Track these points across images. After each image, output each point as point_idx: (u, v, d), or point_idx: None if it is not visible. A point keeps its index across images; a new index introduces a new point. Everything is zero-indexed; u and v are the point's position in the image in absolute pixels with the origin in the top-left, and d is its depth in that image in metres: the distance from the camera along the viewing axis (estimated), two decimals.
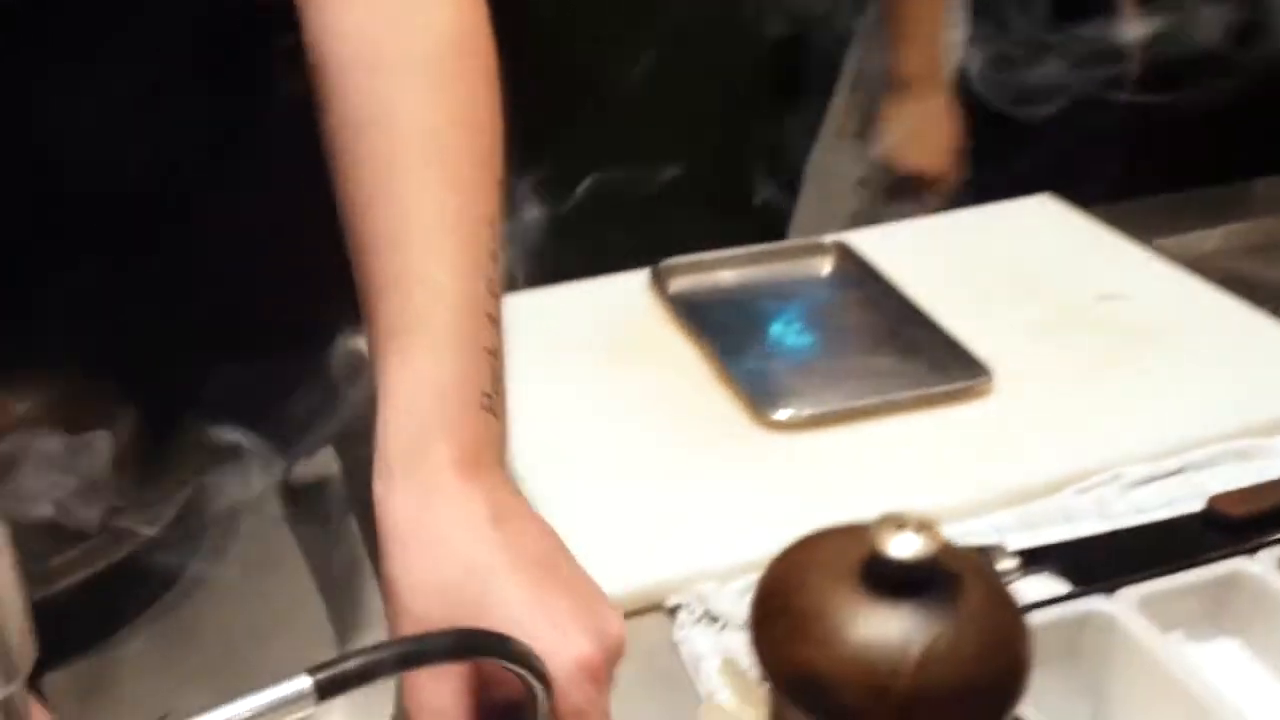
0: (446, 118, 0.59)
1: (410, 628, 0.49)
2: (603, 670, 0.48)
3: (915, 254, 0.99)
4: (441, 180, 0.57)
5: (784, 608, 0.35)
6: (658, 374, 0.87)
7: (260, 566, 0.70)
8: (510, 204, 0.62)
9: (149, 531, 0.65)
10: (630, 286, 0.96)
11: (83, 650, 0.64)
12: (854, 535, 0.36)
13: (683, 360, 0.88)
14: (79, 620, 0.64)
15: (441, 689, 0.48)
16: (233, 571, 0.70)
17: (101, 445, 0.66)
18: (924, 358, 0.87)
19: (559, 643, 0.47)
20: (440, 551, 0.50)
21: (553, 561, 0.51)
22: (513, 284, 0.81)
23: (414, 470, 0.52)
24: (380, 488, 0.53)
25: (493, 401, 0.55)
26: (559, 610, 0.48)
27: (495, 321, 0.57)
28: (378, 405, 0.54)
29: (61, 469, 0.63)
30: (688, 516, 0.74)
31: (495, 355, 0.56)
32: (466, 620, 0.47)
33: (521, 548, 0.50)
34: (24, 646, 0.38)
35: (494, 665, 0.46)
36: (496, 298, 0.57)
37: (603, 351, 0.89)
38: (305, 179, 0.71)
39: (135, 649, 0.64)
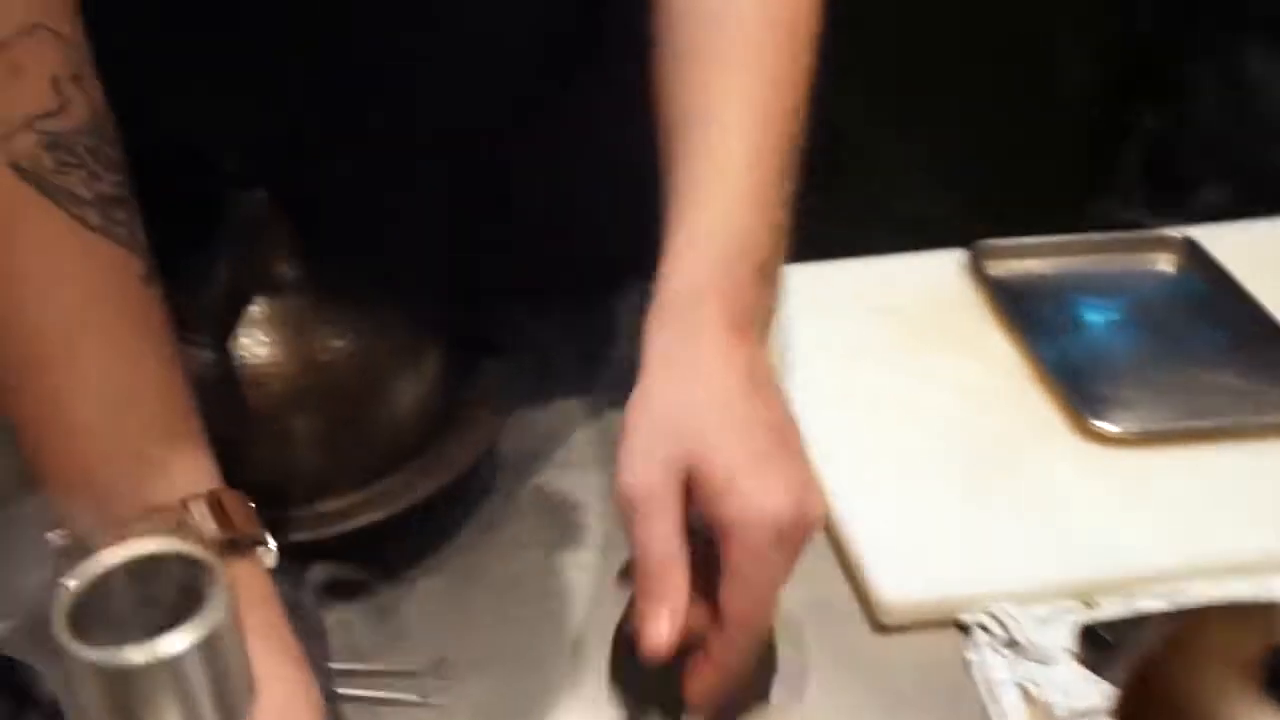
0: (767, 16, 0.61)
1: (639, 436, 0.53)
2: (790, 536, 0.51)
3: (1278, 258, 0.89)
4: (754, 73, 0.60)
5: (1161, 700, 0.30)
6: (968, 363, 0.81)
7: (550, 516, 0.70)
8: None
9: (446, 477, 0.65)
10: (946, 265, 0.90)
11: (378, 584, 0.65)
12: (1252, 619, 0.31)
13: (997, 352, 0.82)
14: (377, 556, 0.65)
15: (666, 529, 0.51)
16: (524, 519, 0.69)
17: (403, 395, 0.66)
18: (1278, 379, 0.78)
19: (760, 496, 0.51)
20: (692, 382, 0.54)
21: (785, 433, 0.54)
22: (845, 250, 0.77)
23: (687, 316, 0.55)
24: (652, 323, 0.56)
25: (769, 271, 0.59)
26: (772, 472, 0.52)
27: (784, 203, 0.60)
28: (666, 247, 0.58)
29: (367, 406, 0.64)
30: (989, 526, 0.68)
31: (779, 231, 0.60)
32: (686, 445, 0.52)
33: (762, 409, 0.54)
34: (243, 689, 0.38)
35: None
36: (789, 181, 0.60)
37: (910, 332, 0.84)
38: (633, 125, 0.70)
39: (426, 587, 0.65)
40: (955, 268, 0.90)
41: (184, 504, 0.48)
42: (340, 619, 0.63)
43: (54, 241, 0.49)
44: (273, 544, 0.52)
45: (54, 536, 0.48)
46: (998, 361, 0.81)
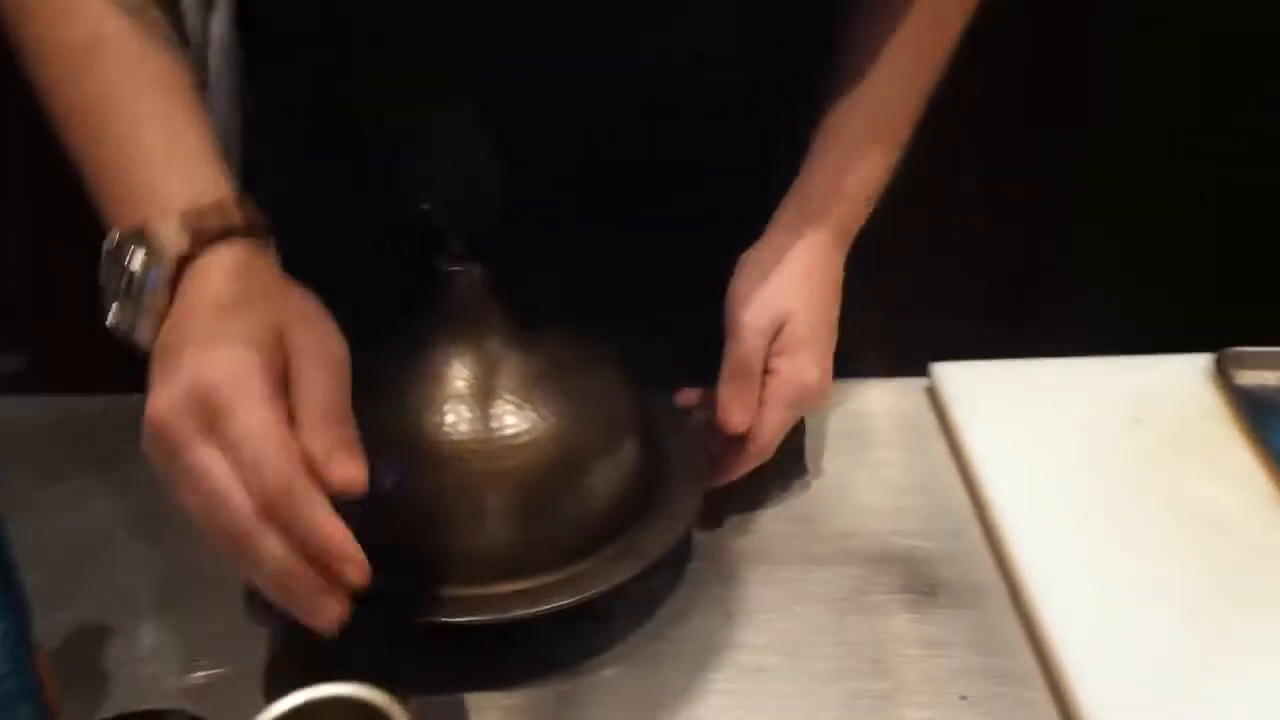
0: None
1: (752, 293, 0.71)
2: (806, 400, 0.71)
3: None
4: (915, 20, 0.74)
5: None
6: (1208, 481, 0.74)
7: (740, 610, 0.67)
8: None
9: (638, 565, 0.63)
10: (1190, 371, 0.83)
11: (562, 668, 0.63)
12: None
13: (1241, 470, 0.75)
14: (562, 638, 0.64)
15: (756, 356, 0.71)
16: (714, 610, 0.67)
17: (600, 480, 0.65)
18: None
19: (804, 367, 0.71)
20: (799, 269, 0.72)
21: (833, 330, 0.73)
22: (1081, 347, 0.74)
23: (809, 219, 0.73)
24: (784, 208, 0.74)
25: (875, 195, 0.75)
26: (817, 355, 0.71)
27: (907, 138, 0.75)
28: (813, 150, 0.75)
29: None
30: (1227, 672, 0.62)
31: (896, 163, 0.75)
32: (784, 310, 0.71)
33: (831, 309, 0.73)
34: None
35: None
36: (911, 119, 0.75)
37: (1145, 441, 0.77)
38: None
39: (609, 677, 0.63)
40: (1200, 374, 0.83)
41: (201, 210, 0.57)
42: (517, 704, 0.61)
43: (132, 39, 0.61)
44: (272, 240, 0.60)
45: (106, 244, 0.58)
46: (1242, 481, 0.74)
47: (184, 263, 0.56)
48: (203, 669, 0.63)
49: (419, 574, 0.61)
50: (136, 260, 0.56)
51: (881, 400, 0.85)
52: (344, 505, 0.59)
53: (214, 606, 0.67)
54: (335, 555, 0.49)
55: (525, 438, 0.61)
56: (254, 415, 0.49)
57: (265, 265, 0.58)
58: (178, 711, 0.55)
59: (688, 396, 0.75)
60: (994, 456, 0.76)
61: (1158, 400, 0.81)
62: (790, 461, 0.76)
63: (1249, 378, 0.82)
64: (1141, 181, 1.07)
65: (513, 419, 0.61)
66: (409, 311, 0.65)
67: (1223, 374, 0.82)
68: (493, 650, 0.63)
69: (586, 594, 0.61)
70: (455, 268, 0.63)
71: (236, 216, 0.58)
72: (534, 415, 0.62)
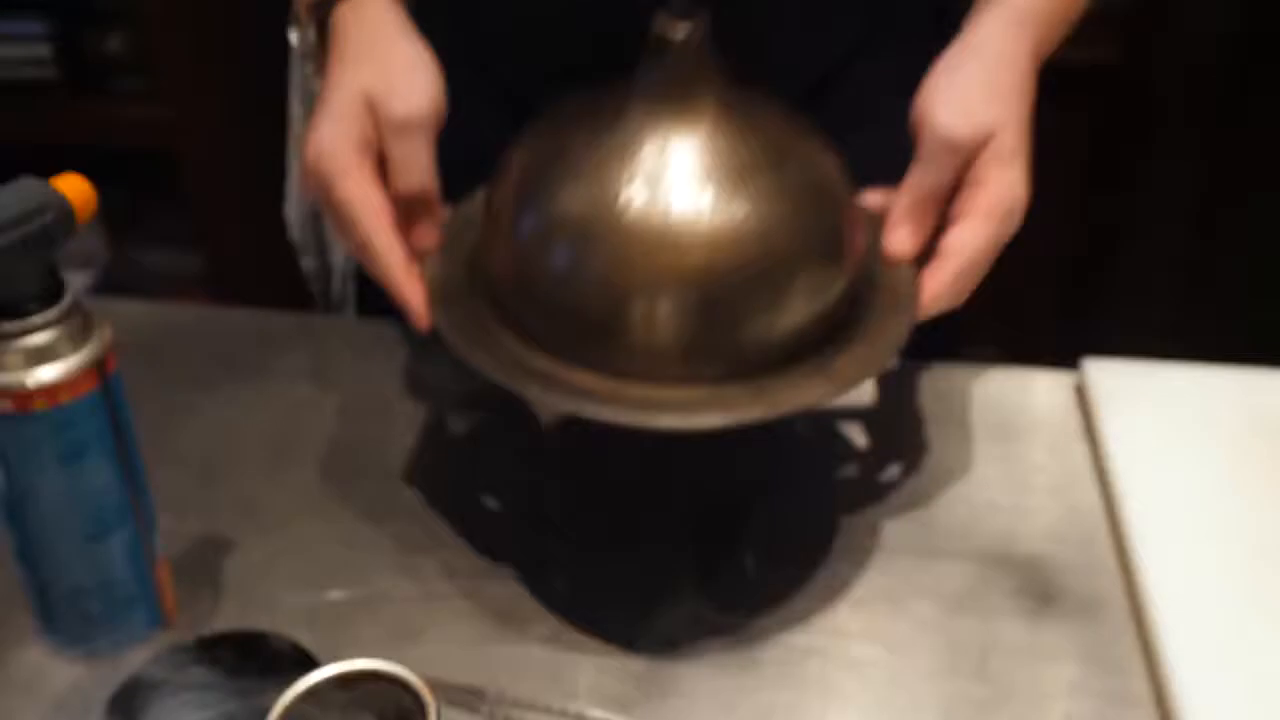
0: None
1: (959, 102, 0.64)
2: (1016, 217, 0.64)
3: None
4: None
5: None
6: None
7: (843, 600, 0.66)
8: None
9: (789, 405, 0.58)
10: None
11: (651, 638, 0.63)
12: None
13: None
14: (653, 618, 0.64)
15: (949, 176, 0.64)
16: (814, 595, 0.66)
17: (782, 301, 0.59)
18: None
19: (1020, 178, 0.64)
20: (1002, 81, 0.66)
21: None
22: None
23: (1006, 29, 0.67)
24: (975, 25, 0.68)
25: (1074, 17, 0.71)
26: (1028, 170, 0.65)
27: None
28: None
29: None
30: None
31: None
32: (997, 121, 0.64)
33: (1028, 122, 0.66)
34: None
35: None
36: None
37: None
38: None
39: (699, 649, 0.63)
40: None
41: None
42: (602, 676, 0.61)
43: None
44: None
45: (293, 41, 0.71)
46: None
47: (323, 9, 0.68)
48: (318, 592, 0.65)
49: (587, 358, 0.59)
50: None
51: (1028, 393, 0.82)
52: (526, 274, 0.61)
53: (338, 532, 0.69)
54: (397, 295, 0.62)
55: (701, 226, 0.56)
56: (343, 190, 0.62)
57: (386, 14, 0.67)
58: (278, 636, 0.57)
59: (873, 199, 0.68)
60: (1137, 464, 0.72)
61: None
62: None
63: None
64: None
65: (707, 199, 0.57)
66: (613, 82, 0.60)
67: None
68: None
69: (730, 419, 0.56)
70: (671, 33, 0.57)
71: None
72: (730, 201, 0.57)
